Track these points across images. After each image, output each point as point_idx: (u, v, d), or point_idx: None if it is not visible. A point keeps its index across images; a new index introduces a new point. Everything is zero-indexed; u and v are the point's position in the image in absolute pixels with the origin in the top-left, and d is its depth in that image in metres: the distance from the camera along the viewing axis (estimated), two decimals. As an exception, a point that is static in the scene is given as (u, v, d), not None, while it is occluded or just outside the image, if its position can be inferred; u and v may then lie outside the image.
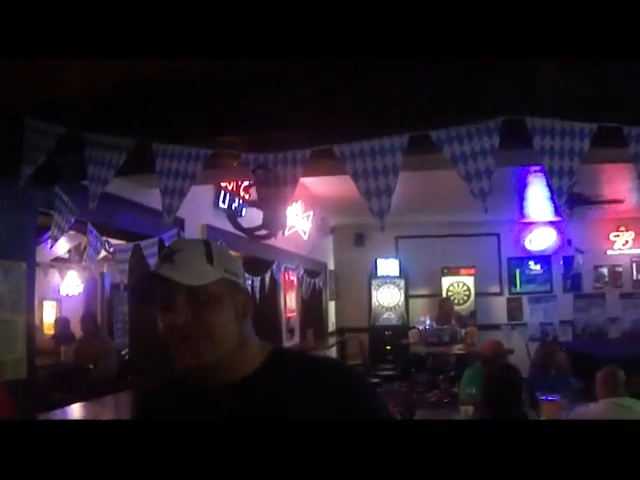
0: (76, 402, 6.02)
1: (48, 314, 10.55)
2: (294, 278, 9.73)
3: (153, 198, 4.97)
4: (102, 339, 8.22)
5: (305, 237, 9.54)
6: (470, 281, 12.58)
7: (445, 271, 12.58)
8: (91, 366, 8.26)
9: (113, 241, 5.36)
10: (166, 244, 4.85)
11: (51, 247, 4.19)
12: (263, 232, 3.11)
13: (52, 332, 10.18)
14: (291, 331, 10.85)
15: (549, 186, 2.33)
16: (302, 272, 9.54)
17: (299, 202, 8.97)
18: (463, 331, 9.78)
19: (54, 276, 10.91)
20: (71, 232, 4.42)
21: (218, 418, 1.48)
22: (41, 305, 9.96)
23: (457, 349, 9.47)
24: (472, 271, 12.56)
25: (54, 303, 11.11)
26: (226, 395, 1.50)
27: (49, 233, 3.71)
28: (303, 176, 2.61)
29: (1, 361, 3.13)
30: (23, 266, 3.34)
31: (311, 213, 9.69)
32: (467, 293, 12.55)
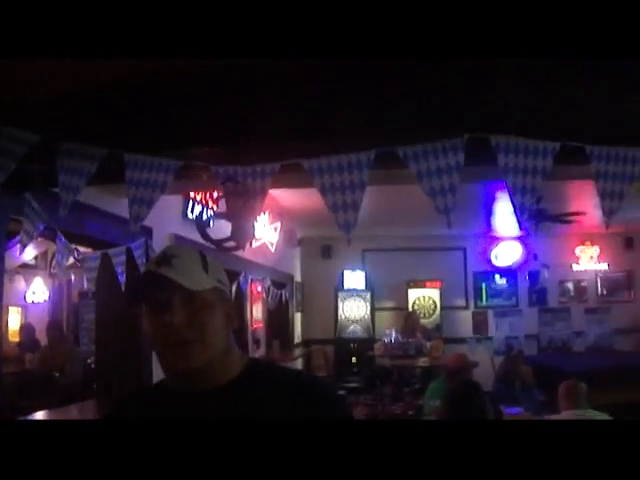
0: (40, 410, 5.99)
1: (13, 321, 10.46)
2: (261, 289, 9.73)
3: (122, 207, 4.93)
4: (68, 346, 8.18)
5: (272, 249, 9.54)
6: (436, 294, 12.69)
7: (411, 284, 12.68)
8: (57, 374, 8.21)
9: (81, 249, 5.34)
10: (134, 253, 4.86)
11: (20, 254, 4.17)
12: (231, 244, 3.13)
13: (17, 339, 10.09)
14: (257, 342, 10.82)
15: (512, 202, 2.37)
16: (269, 283, 9.54)
17: (267, 213, 8.97)
18: (428, 344, 9.86)
19: (20, 282, 10.83)
20: (39, 239, 4.39)
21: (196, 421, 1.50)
22: (6, 311, 9.86)
23: (422, 362, 9.55)
24: (438, 284, 12.67)
25: (19, 309, 11.00)
26: (210, 399, 1.52)
27: (17, 239, 3.69)
28: (272, 188, 2.63)
29: None
30: (-10, 271, 3.29)
31: (279, 224, 9.69)
32: (433, 306, 12.66)
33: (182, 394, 1.56)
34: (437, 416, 4.89)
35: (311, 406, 1.51)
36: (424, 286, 12.70)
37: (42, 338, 10.66)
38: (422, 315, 12.29)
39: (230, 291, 1.61)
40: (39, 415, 5.37)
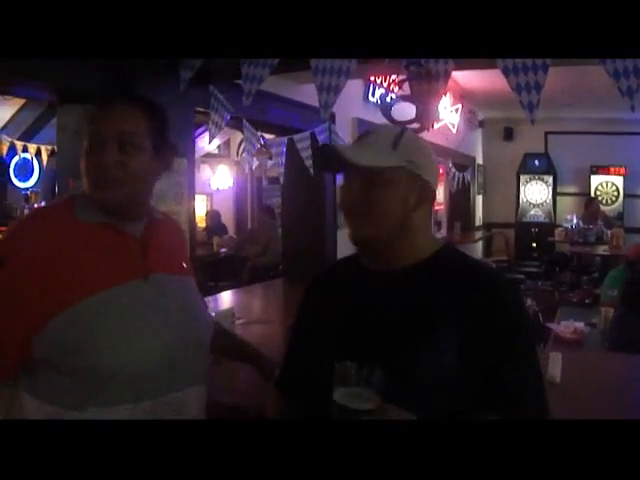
0: (228, 289, 6.49)
1: (200, 208, 11.03)
2: (442, 171, 9.77)
3: (304, 93, 5.18)
4: (275, 229, 8.56)
5: (454, 130, 9.50)
6: (619, 181, 12.14)
7: (594, 170, 12.19)
8: (244, 255, 8.77)
9: (266, 136, 5.60)
10: (318, 137, 5.07)
11: (210, 142, 4.39)
12: (415, 125, 3.21)
13: (204, 225, 10.77)
14: (438, 224, 10.98)
15: None
16: (450, 165, 9.54)
17: (448, 95, 8.90)
18: (609, 232, 9.60)
19: (205, 171, 11.42)
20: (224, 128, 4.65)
21: (374, 303, 1.52)
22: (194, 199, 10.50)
23: (602, 250, 9.33)
24: (622, 171, 12.09)
25: (205, 197, 11.68)
26: (392, 279, 1.53)
27: (201, 129, 3.92)
28: (454, 70, 2.66)
29: None
30: (184, 162, 3.59)
31: (460, 106, 9.61)
32: (615, 194, 12.15)
33: (369, 271, 1.58)
34: (614, 306, 4.85)
35: (493, 309, 1.44)
36: (608, 172, 12.15)
37: (228, 223, 11.37)
38: (604, 202, 11.86)
39: (433, 173, 1.56)
40: (226, 294, 5.85)
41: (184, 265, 1.84)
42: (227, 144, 11.76)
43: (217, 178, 11.71)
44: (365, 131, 1.57)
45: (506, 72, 2.46)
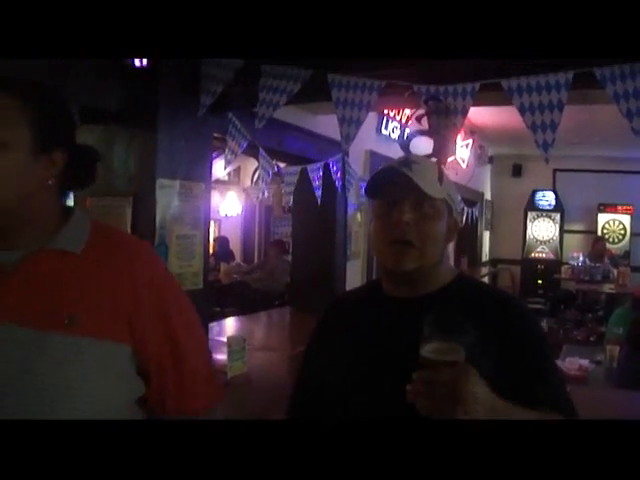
0: (233, 315, 6.54)
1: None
2: (452, 206, 9.76)
3: (319, 124, 5.26)
4: (283, 260, 8.75)
5: (464, 165, 9.55)
6: (626, 220, 12.16)
7: (602, 208, 12.21)
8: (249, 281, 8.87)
9: (281, 164, 5.66)
10: (331, 168, 5.12)
11: (225, 168, 4.42)
12: (433, 160, 3.27)
13: (212, 250, 10.73)
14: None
15: None
16: (459, 200, 9.54)
17: (458, 130, 8.96)
18: (615, 271, 9.60)
19: (214, 197, 11.49)
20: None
21: (398, 329, 1.53)
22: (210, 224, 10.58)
23: (608, 288, 9.32)
24: (630, 209, 12.11)
25: (213, 222, 11.69)
26: (417, 304, 1.54)
27: (215, 154, 3.92)
28: (473, 106, 2.72)
29: (182, 273, 3.45)
30: (202, 186, 3.62)
31: (470, 141, 9.67)
32: (622, 232, 12.18)
33: (393, 298, 1.61)
34: (619, 344, 4.85)
35: (514, 331, 1.48)
36: (615, 210, 12.18)
37: (235, 250, 11.40)
38: (610, 240, 11.89)
39: (457, 209, 1.62)
40: (230, 320, 5.90)
41: (78, 320, 1.29)
42: (237, 171, 11.85)
43: (226, 204, 11.77)
44: (403, 160, 1.58)
45: (522, 110, 2.51)
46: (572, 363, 4.66)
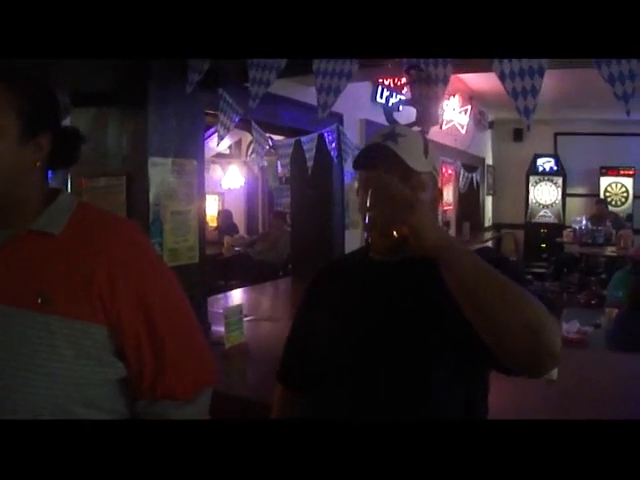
0: (238, 287, 6.58)
1: (211, 207, 11.14)
2: (451, 172, 9.81)
3: (312, 95, 5.23)
4: (285, 231, 8.73)
5: (463, 131, 9.55)
6: (629, 183, 12.15)
7: (604, 171, 12.21)
8: (251, 253, 8.94)
9: (275, 137, 5.67)
10: (326, 139, 5.14)
11: (218, 144, 4.41)
12: (417, 128, 3.28)
13: (215, 224, 10.87)
14: (447, 224, 11.01)
15: None
16: (460, 166, 9.60)
17: (456, 96, 8.96)
18: (618, 233, 9.62)
19: (216, 171, 11.50)
20: (233, 130, 4.71)
21: (378, 288, 1.58)
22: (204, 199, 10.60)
23: (610, 251, 9.36)
24: (631, 172, 12.09)
25: (216, 197, 11.80)
26: (407, 266, 1.54)
27: (212, 130, 3.93)
28: (453, 73, 2.69)
29: (177, 248, 3.51)
30: (194, 163, 3.65)
31: (469, 107, 9.66)
32: (625, 195, 12.17)
33: (375, 262, 1.64)
34: (619, 307, 4.85)
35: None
36: (617, 173, 12.17)
37: (239, 222, 11.45)
38: (613, 203, 11.92)
39: (439, 179, 1.65)
40: (236, 291, 5.94)
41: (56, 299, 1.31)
42: (238, 144, 11.84)
43: (228, 178, 11.78)
44: (389, 132, 1.59)
45: (502, 77, 2.50)
46: (571, 326, 4.68)
